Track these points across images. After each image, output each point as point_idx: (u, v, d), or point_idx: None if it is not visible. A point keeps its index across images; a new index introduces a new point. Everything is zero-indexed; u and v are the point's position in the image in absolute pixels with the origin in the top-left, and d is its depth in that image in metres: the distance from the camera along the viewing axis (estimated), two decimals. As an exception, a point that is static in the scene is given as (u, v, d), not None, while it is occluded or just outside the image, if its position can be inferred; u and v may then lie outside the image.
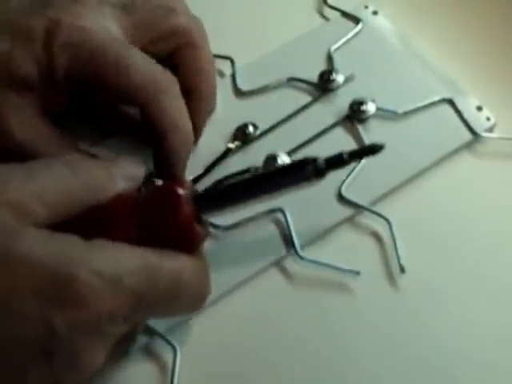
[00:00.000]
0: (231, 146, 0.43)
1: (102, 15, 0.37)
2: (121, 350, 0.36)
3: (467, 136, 0.43)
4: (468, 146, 0.43)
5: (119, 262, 0.29)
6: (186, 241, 0.31)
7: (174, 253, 0.31)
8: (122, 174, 0.33)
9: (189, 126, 0.38)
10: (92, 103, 0.40)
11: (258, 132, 0.43)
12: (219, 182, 0.41)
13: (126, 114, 0.42)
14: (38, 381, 0.28)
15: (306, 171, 0.31)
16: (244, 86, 0.45)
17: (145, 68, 0.37)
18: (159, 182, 0.38)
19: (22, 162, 0.31)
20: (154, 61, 0.37)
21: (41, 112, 0.37)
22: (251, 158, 0.42)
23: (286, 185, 0.32)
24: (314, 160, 0.32)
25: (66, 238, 0.29)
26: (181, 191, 0.31)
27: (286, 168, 0.33)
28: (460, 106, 0.44)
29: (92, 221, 0.30)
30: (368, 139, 0.42)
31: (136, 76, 0.36)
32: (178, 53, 0.40)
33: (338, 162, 0.32)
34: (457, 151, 0.43)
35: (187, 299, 0.32)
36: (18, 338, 0.27)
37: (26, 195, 0.29)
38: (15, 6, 0.37)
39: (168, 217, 0.31)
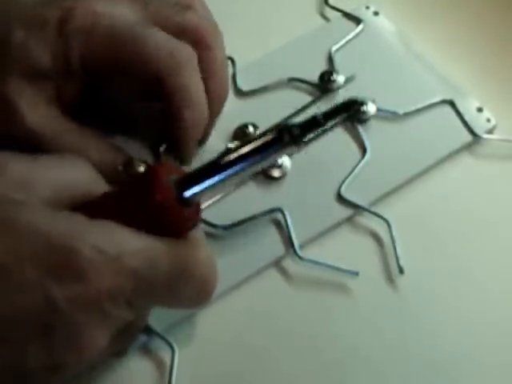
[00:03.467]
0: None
1: (119, 4, 0.37)
2: (123, 346, 0.35)
3: (467, 137, 0.43)
4: (468, 147, 0.43)
5: (121, 240, 0.29)
6: (170, 224, 0.30)
7: (179, 240, 0.31)
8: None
9: (204, 103, 0.38)
10: (106, 94, 0.40)
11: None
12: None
13: (136, 112, 0.42)
14: (36, 358, 0.28)
15: (282, 138, 0.31)
16: (244, 85, 0.45)
17: (163, 42, 0.36)
18: (141, 168, 0.38)
19: (34, 151, 0.31)
20: (171, 36, 0.37)
21: (55, 101, 0.37)
22: (251, 157, 0.42)
23: (265, 156, 0.31)
24: (288, 127, 0.31)
25: (69, 214, 0.29)
26: (159, 171, 0.30)
27: (262, 138, 0.32)
28: (460, 108, 0.44)
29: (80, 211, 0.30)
30: (368, 140, 0.42)
31: (154, 49, 0.36)
32: None
33: (312, 124, 0.31)
34: (457, 152, 0.43)
35: (192, 289, 0.32)
36: (17, 308, 0.27)
37: (29, 176, 0.29)
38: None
39: (145, 198, 0.30)
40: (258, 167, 0.32)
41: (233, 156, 0.31)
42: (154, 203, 0.30)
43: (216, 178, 0.31)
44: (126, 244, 0.29)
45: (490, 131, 0.43)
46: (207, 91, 0.38)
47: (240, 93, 0.45)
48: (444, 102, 0.44)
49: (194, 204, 0.31)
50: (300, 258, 0.39)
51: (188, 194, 0.31)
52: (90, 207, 0.30)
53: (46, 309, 0.27)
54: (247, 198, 0.41)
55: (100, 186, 0.32)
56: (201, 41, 0.38)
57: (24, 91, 0.35)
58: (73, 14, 0.36)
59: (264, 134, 0.32)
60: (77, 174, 0.32)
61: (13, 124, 0.36)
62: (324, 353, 0.37)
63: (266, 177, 0.41)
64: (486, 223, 0.40)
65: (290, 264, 0.39)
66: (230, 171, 0.31)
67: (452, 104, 0.44)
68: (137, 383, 0.36)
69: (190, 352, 0.36)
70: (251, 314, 0.38)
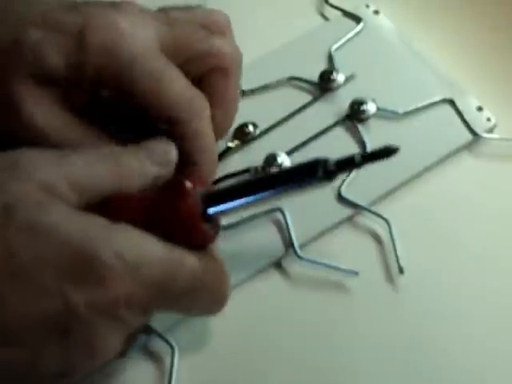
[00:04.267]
0: (231, 145, 0.43)
1: (142, 24, 0.36)
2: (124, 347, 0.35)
3: (467, 136, 0.43)
4: (468, 146, 0.43)
5: (142, 249, 0.29)
6: (191, 237, 0.31)
7: (196, 251, 0.31)
8: (152, 159, 0.33)
9: (216, 154, 0.37)
10: (112, 108, 0.39)
11: (258, 131, 0.43)
12: (218, 181, 0.41)
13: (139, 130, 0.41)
14: (51, 361, 0.28)
15: (316, 172, 0.31)
16: (244, 85, 0.45)
17: (183, 87, 0.35)
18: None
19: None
20: (189, 82, 0.36)
21: (60, 102, 0.36)
22: (251, 157, 0.42)
23: (295, 185, 0.31)
24: (324, 161, 0.31)
25: (92, 218, 0.29)
26: (188, 186, 0.31)
27: (295, 168, 0.32)
28: (460, 107, 0.44)
29: (104, 214, 0.30)
30: (368, 139, 0.42)
31: (173, 93, 0.35)
32: (209, 77, 0.38)
33: (348, 164, 0.31)
34: (457, 152, 0.43)
35: (207, 300, 0.32)
36: (33, 310, 0.27)
37: (56, 177, 0.29)
38: (51, 5, 0.36)
39: (172, 208, 0.30)
40: (285, 196, 0.32)
41: (264, 181, 0.32)
42: (179, 215, 0.30)
43: (243, 200, 0.31)
44: (147, 253, 0.29)
45: (490, 130, 0.43)
46: (213, 119, 0.37)
47: (240, 92, 0.45)
48: (444, 101, 0.44)
49: (215, 219, 0.32)
50: (300, 257, 0.39)
51: (213, 210, 0.31)
52: (113, 207, 0.31)
53: (64, 313, 0.27)
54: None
55: (121, 180, 0.32)
56: (222, 69, 0.37)
57: (30, 91, 0.35)
58: (95, 26, 0.34)
59: (299, 164, 0.31)
60: (102, 172, 0.31)
61: (18, 123, 0.35)
62: (324, 353, 0.37)
63: (265, 176, 0.41)
64: (486, 222, 0.40)
65: (289, 264, 0.39)
66: (258, 196, 0.31)
67: (452, 103, 0.44)
68: (137, 383, 0.36)
69: (190, 352, 0.36)
70: (251, 313, 0.38)
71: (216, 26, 0.38)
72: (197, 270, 0.31)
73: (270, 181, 0.32)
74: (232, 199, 0.31)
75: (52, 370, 0.28)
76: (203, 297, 0.32)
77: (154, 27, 0.36)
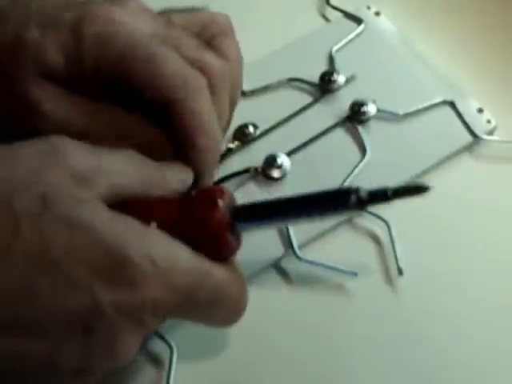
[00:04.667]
0: (231, 145, 0.43)
1: (140, 18, 0.36)
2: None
3: (468, 138, 0.43)
4: (468, 148, 0.43)
5: (174, 256, 0.29)
6: (217, 249, 0.31)
7: (222, 264, 0.31)
8: (174, 177, 0.33)
9: (219, 132, 0.37)
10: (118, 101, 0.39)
11: (258, 132, 0.43)
12: (218, 182, 0.41)
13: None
14: (71, 356, 0.28)
15: (348, 200, 0.31)
16: (245, 85, 0.45)
17: (178, 66, 0.35)
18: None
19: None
20: (185, 62, 0.36)
21: (71, 98, 0.36)
22: (251, 158, 0.42)
23: (325, 210, 0.31)
24: (356, 190, 0.31)
25: (127, 220, 0.29)
26: (219, 199, 0.31)
27: (328, 193, 0.32)
28: (461, 109, 0.44)
29: (132, 214, 0.30)
30: (368, 140, 0.42)
31: (167, 73, 0.35)
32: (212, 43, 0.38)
33: (381, 197, 0.31)
34: (457, 153, 0.43)
35: (226, 311, 0.33)
36: (61, 304, 0.27)
37: (92, 169, 0.30)
38: (51, 2, 0.36)
39: (203, 221, 0.31)
40: (312, 221, 0.32)
41: (295, 204, 0.32)
42: (210, 226, 0.31)
43: (272, 220, 0.32)
44: (178, 260, 0.29)
45: (491, 132, 0.43)
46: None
47: (241, 93, 0.45)
48: (444, 102, 0.44)
49: (238, 232, 0.32)
50: (299, 258, 0.39)
51: (241, 225, 0.32)
52: (144, 209, 0.31)
53: (91, 310, 0.28)
54: (247, 198, 0.40)
55: (147, 187, 0.32)
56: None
57: (42, 87, 0.35)
58: (90, 18, 0.35)
59: (331, 190, 0.32)
60: (132, 169, 0.32)
61: (37, 120, 0.35)
62: (323, 353, 0.37)
63: (265, 177, 0.41)
64: (486, 224, 0.40)
65: (289, 264, 0.39)
66: (287, 218, 0.32)
67: (452, 105, 0.44)
68: (135, 382, 0.36)
69: (189, 352, 0.36)
70: (250, 314, 0.38)
71: (217, 28, 0.38)
72: (221, 282, 0.31)
73: (301, 204, 0.32)
74: (261, 217, 0.32)
75: (71, 366, 0.28)
76: (223, 308, 0.32)
77: (151, 25, 0.36)
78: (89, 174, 0.29)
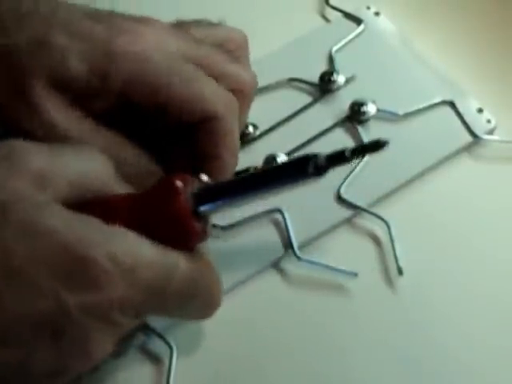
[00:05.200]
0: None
1: (173, 37, 0.36)
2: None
3: (467, 138, 0.43)
4: (468, 148, 0.43)
5: (137, 252, 0.29)
6: (183, 237, 0.30)
7: (189, 253, 0.31)
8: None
9: (239, 145, 0.38)
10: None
11: (258, 132, 0.43)
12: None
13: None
14: (44, 361, 0.28)
15: (306, 168, 0.30)
16: (245, 86, 0.45)
17: (217, 87, 0.36)
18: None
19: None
20: (220, 84, 0.37)
21: (79, 105, 0.36)
22: (251, 158, 0.42)
23: (285, 181, 0.31)
24: (314, 156, 0.31)
25: (88, 220, 0.29)
26: (179, 184, 0.30)
27: (286, 164, 0.32)
28: (461, 109, 0.44)
29: (93, 213, 0.30)
30: (368, 140, 0.42)
31: (208, 91, 0.36)
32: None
33: (339, 158, 0.31)
34: (457, 153, 0.43)
35: (200, 303, 0.32)
36: (28, 310, 0.27)
37: (49, 169, 0.29)
38: (79, 9, 0.36)
39: (162, 208, 0.30)
40: (277, 193, 0.31)
41: (255, 179, 0.31)
42: (170, 214, 0.30)
43: (234, 198, 0.31)
44: (142, 256, 0.29)
45: (490, 132, 0.43)
46: None
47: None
48: (444, 102, 0.44)
49: (206, 218, 0.31)
50: (299, 258, 0.39)
51: (204, 208, 0.31)
52: (104, 206, 0.30)
53: (57, 314, 0.27)
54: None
55: (116, 185, 0.32)
56: (240, 91, 0.38)
57: (49, 94, 0.34)
58: (122, 37, 0.35)
59: (290, 161, 0.32)
60: (95, 168, 0.31)
61: (38, 125, 0.35)
62: (322, 354, 0.37)
63: (265, 177, 0.41)
64: (485, 224, 0.40)
65: (288, 264, 0.39)
66: (249, 194, 0.31)
67: (452, 105, 0.44)
68: (135, 382, 0.36)
69: (189, 352, 0.36)
70: (250, 314, 0.38)
71: (234, 45, 0.39)
72: (191, 273, 0.30)
73: (262, 178, 0.31)
74: (223, 197, 0.31)
75: (44, 370, 0.28)
76: (197, 300, 0.32)
77: (181, 44, 0.36)
78: (47, 175, 0.29)
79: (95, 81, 0.35)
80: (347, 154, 0.30)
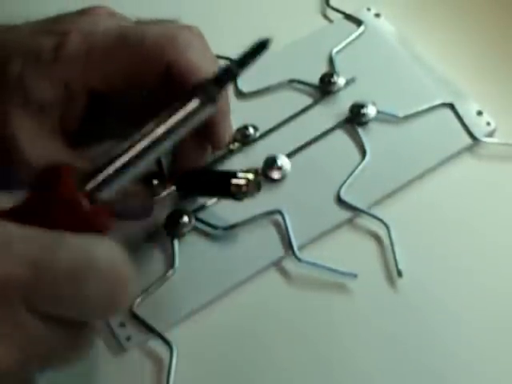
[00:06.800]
0: (231, 147, 0.43)
1: (114, 21, 0.37)
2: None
3: (467, 140, 0.43)
4: (468, 150, 0.43)
5: (9, 228, 0.27)
6: (77, 221, 0.29)
7: (83, 233, 0.28)
8: None
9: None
10: (104, 119, 0.39)
11: (258, 134, 0.43)
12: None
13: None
14: None
15: (204, 103, 0.30)
16: (245, 87, 0.45)
17: (162, 29, 0.36)
18: None
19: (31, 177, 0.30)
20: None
21: (56, 132, 0.36)
22: (251, 159, 0.42)
23: (183, 122, 0.31)
24: (202, 84, 0.30)
25: None
26: (62, 168, 0.29)
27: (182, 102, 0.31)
28: (460, 111, 0.44)
29: None
30: (368, 142, 0.43)
31: (157, 39, 0.35)
32: None
33: (227, 74, 0.31)
34: (457, 156, 0.43)
35: (100, 283, 0.28)
36: None
37: None
38: (24, 26, 0.36)
39: (51, 195, 0.29)
40: (177, 136, 0.31)
41: (133, 145, 0.31)
42: (58, 196, 0.29)
43: (115, 166, 0.30)
44: (14, 230, 0.27)
45: (490, 134, 0.43)
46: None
47: (240, 94, 0.45)
48: (444, 105, 0.44)
49: (105, 200, 0.30)
50: (299, 259, 0.39)
51: (90, 186, 0.30)
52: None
53: None
54: (247, 200, 0.41)
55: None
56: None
57: (24, 124, 0.35)
58: (68, 39, 0.35)
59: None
60: None
61: (14, 159, 0.35)
62: (323, 354, 0.37)
63: (265, 178, 0.41)
64: (485, 226, 0.40)
65: (289, 266, 0.39)
66: (129, 158, 0.30)
67: (452, 107, 0.44)
68: (135, 382, 0.36)
69: (189, 351, 0.36)
70: (250, 314, 0.38)
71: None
72: (82, 245, 0.28)
73: (141, 144, 0.31)
74: (107, 172, 0.30)
75: None
76: (94, 278, 0.28)
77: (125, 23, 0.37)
78: None
79: (60, 93, 0.35)
80: (234, 68, 0.31)
